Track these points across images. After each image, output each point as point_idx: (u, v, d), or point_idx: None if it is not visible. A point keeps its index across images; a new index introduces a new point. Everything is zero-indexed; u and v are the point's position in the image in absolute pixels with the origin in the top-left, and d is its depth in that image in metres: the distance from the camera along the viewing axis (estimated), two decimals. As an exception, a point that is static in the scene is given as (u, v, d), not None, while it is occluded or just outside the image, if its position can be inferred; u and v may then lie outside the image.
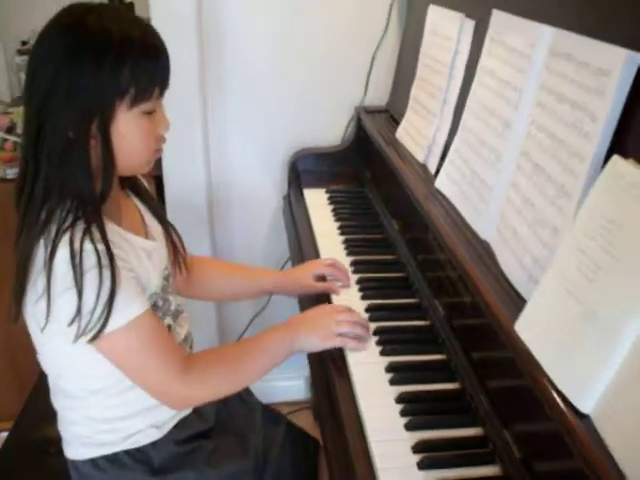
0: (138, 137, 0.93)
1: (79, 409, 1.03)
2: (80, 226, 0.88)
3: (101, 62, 0.86)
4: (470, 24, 1.27)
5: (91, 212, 0.89)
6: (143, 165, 0.99)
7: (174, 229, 1.14)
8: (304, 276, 1.31)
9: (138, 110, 0.91)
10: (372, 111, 1.81)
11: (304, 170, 1.83)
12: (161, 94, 0.94)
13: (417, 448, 0.90)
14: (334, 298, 1.27)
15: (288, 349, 1.07)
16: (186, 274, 1.21)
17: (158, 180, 1.93)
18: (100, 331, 0.88)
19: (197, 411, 1.13)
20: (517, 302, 0.91)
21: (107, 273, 0.87)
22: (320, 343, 1.09)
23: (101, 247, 0.88)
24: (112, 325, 0.89)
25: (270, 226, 2.00)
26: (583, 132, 0.83)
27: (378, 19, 1.81)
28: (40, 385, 1.30)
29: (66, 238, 0.87)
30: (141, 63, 0.88)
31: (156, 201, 1.14)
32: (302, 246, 1.55)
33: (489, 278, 0.97)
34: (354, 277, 1.33)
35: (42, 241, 0.88)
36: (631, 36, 0.78)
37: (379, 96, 1.88)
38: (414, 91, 1.54)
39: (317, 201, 1.69)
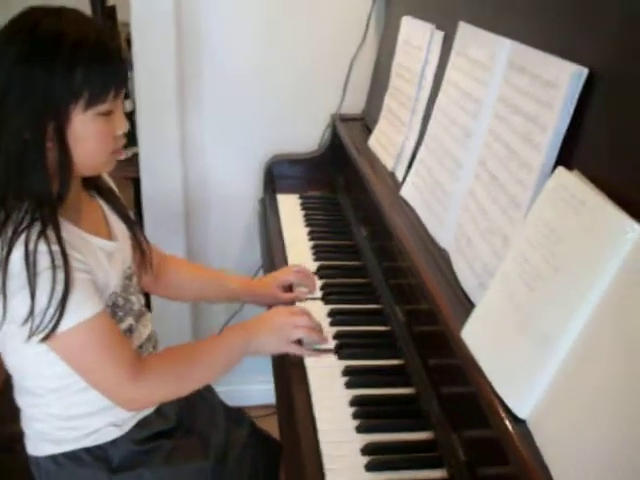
0: (94, 139, 0.94)
1: (40, 406, 1.04)
2: (36, 227, 0.89)
3: (53, 66, 0.87)
4: (439, 35, 1.29)
5: (47, 214, 0.90)
6: (102, 165, 1.00)
7: (139, 229, 1.15)
8: (271, 286, 1.32)
9: (93, 112, 0.91)
10: (348, 119, 1.83)
11: (279, 175, 1.84)
12: (117, 95, 0.95)
13: (366, 450, 0.91)
14: (298, 302, 1.28)
15: (242, 351, 1.09)
16: (152, 274, 1.21)
17: (136, 182, 1.94)
18: (52, 331, 0.89)
19: (158, 410, 1.13)
20: (470, 309, 0.93)
21: (60, 275, 0.88)
22: (276, 348, 1.11)
23: (55, 248, 0.89)
24: (64, 325, 0.89)
25: (245, 229, 2.01)
26: (534, 143, 0.85)
27: (357, 28, 1.83)
28: (7, 383, 1.30)
29: (22, 239, 0.88)
30: (94, 66, 0.89)
31: (121, 201, 1.14)
32: (272, 251, 1.56)
33: (444, 286, 0.99)
34: (319, 282, 1.34)
35: None
36: (584, 50, 0.81)
37: (356, 104, 1.90)
38: (387, 100, 1.56)
39: (290, 206, 1.71)
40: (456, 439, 0.89)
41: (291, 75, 1.87)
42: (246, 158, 1.94)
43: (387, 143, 1.50)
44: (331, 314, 1.23)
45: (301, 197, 1.75)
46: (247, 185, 1.96)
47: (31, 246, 0.88)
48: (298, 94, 1.89)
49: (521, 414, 0.72)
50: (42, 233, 0.88)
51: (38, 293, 0.87)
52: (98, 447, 1.06)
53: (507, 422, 0.72)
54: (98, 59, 0.90)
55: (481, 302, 0.83)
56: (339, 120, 1.80)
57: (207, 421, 1.21)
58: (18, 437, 1.11)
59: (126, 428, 1.08)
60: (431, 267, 1.04)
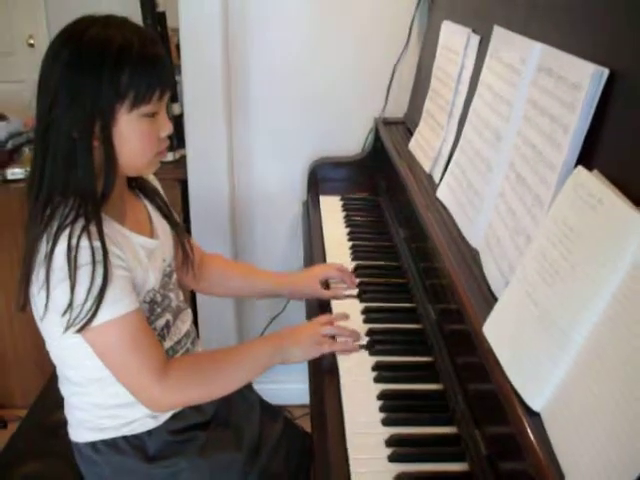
0: (139, 139, 0.99)
1: (81, 395, 1.09)
2: (80, 223, 0.94)
3: (99, 69, 0.93)
4: (476, 39, 1.31)
5: (91, 210, 0.95)
6: (146, 166, 1.05)
7: (183, 231, 1.20)
8: (311, 281, 1.36)
9: (138, 113, 0.97)
10: (390, 122, 1.86)
11: (322, 178, 1.88)
12: (162, 97, 1.00)
13: (390, 442, 0.94)
14: (335, 299, 1.32)
15: (269, 360, 1.12)
16: (194, 273, 1.27)
17: (183, 184, 2.01)
18: (87, 323, 0.94)
19: (195, 405, 1.16)
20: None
21: (100, 270, 0.93)
22: (303, 355, 1.13)
23: (97, 244, 0.94)
24: (99, 319, 0.94)
25: (290, 231, 2.06)
26: (556, 143, 0.86)
27: (400, 33, 1.86)
28: (53, 374, 1.38)
29: (65, 234, 0.93)
30: (138, 69, 0.95)
31: (165, 202, 1.20)
32: (313, 250, 1.60)
33: (472, 285, 1.01)
34: (356, 281, 1.37)
35: (45, 236, 0.95)
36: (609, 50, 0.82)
37: (399, 108, 1.93)
38: (427, 104, 1.58)
39: (331, 207, 1.75)
40: (478, 434, 0.90)
41: (336, 79, 1.91)
42: (291, 161, 2.00)
43: (426, 146, 1.52)
44: (365, 311, 1.26)
45: (343, 199, 1.79)
46: (292, 187, 2.01)
47: (74, 241, 0.93)
48: (342, 98, 1.93)
49: (536, 407, 0.73)
50: (85, 229, 0.94)
51: (77, 286, 0.93)
52: (135, 436, 1.11)
53: (521, 414, 0.73)
54: (142, 62, 0.95)
55: (501, 298, 0.85)
56: (382, 124, 1.83)
57: (243, 416, 1.23)
58: (62, 423, 1.18)
59: (162, 419, 1.12)
60: (461, 266, 1.06)
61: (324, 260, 1.51)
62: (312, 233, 1.68)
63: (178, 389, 1.04)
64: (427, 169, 1.46)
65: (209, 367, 1.08)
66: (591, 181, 0.75)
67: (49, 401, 1.40)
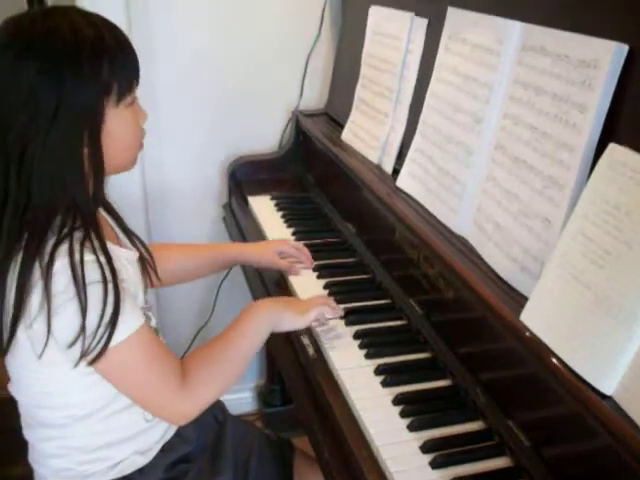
0: (126, 131, 0.92)
1: (58, 439, 0.96)
2: (78, 234, 0.84)
3: (80, 67, 0.82)
4: (422, 23, 1.29)
5: (89, 219, 0.86)
6: (132, 161, 0.97)
7: (138, 238, 1.08)
8: (270, 250, 1.34)
9: (124, 104, 0.89)
10: (310, 114, 1.79)
11: (245, 178, 1.79)
12: (137, 83, 0.93)
13: (425, 448, 0.89)
14: (294, 282, 1.30)
15: (268, 326, 1.06)
16: (158, 280, 1.15)
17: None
18: (104, 350, 0.83)
19: (178, 434, 1.08)
20: (508, 292, 0.92)
21: (111, 287, 0.83)
22: (297, 316, 1.09)
23: (102, 259, 0.84)
24: (115, 340, 0.84)
25: (211, 234, 1.94)
26: (570, 124, 0.85)
27: (311, 23, 1.80)
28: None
29: (64, 248, 0.82)
30: (117, 58, 0.86)
31: (118, 213, 1.07)
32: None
33: (475, 271, 0.98)
34: (321, 282, 1.31)
35: (37, 257, 0.82)
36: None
37: (315, 99, 1.87)
38: (360, 92, 1.54)
39: (264, 208, 1.65)
40: (513, 425, 0.88)
41: (245, 75, 1.81)
42: (204, 163, 1.87)
43: (365, 135, 1.48)
44: (344, 315, 1.20)
45: (273, 198, 1.70)
46: (210, 189, 1.89)
47: (77, 256, 0.81)
48: (253, 94, 1.84)
49: (608, 391, 0.72)
50: (86, 239, 0.83)
51: (88, 309, 0.81)
52: (125, 478, 1.00)
53: (594, 399, 0.72)
54: (117, 50, 0.87)
55: (539, 285, 0.83)
56: (303, 116, 1.77)
57: (220, 438, 1.16)
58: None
59: (151, 455, 1.03)
60: (456, 255, 1.03)
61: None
62: (249, 236, 1.58)
63: (201, 390, 0.96)
64: (373, 159, 1.42)
65: (221, 357, 1.00)
66: (631, 157, 0.74)
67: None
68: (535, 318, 0.82)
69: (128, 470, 0.99)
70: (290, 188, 1.78)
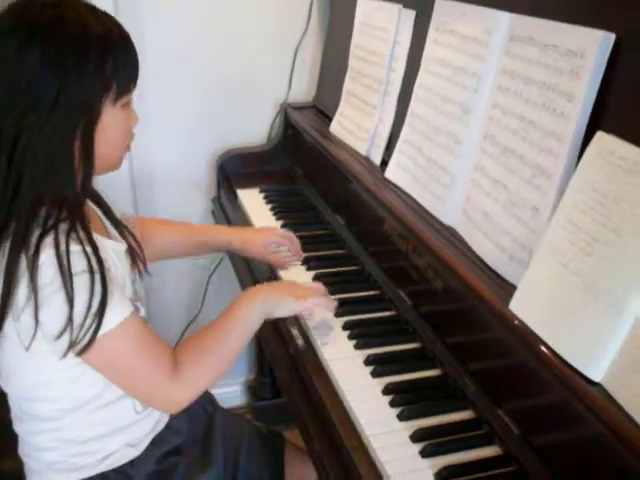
0: (119, 130, 0.92)
1: (49, 432, 0.95)
2: (64, 226, 0.83)
3: (85, 61, 0.82)
4: (410, 14, 1.28)
5: (75, 210, 0.85)
6: (118, 161, 0.97)
7: (127, 229, 1.07)
8: (260, 242, 1.31)
9: (121, 104, 0.89)
10: (298, 107, 1.79)
11: (234, 171, 1.78)
12: (135, 84, 0.92)
13: (415, 437, 0.90)
14: (283, 275, 1.30)
15: (260, 316, 1.05)
16: (146, 272, 1.13)
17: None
18: (92, 341, 0.83)
19: (169, 426, 1.07)
20: (497, 282, 0.93)
21: (98, 277, 0.83)
22: (295, 302, 1.08)
23: (89, 249, 0.83)
24: (103, 329, 0.84)
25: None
26: (557, 112, 0.86)
27: (299, 15, 1.79)
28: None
29: (50, 239, 0.81)
30: (121, 56, 0.87)
31: (107, 203, 1.06)
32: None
33: (464, 261, 0.98)
34: (310, 273, 1.30)
35: (23, 248, 0.81)
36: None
37: (303, 92, 1.87)
38: (348, 84, 1.54)
39: (253, 201, 1.65)
40: (502, 413, 0.89)
41: (233, 68, 1.80)
42: (191, 157, 1.86)
43: (354, 128, 1.47)
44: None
45: (262, 191, 1.69)
46: (198, 183, 1.88)
47: (62, 247, 0.81)
48: (241, 87, 1.83)
49: (596, 377, 0.72)
50: (72, 231, 0.82)
51: (75, 299, 0.80)
52: (116, 470, 0.99)
53: (583, 386, 0.72)
54: (122, 49, 0.87)
55: (528, 274, 0.83)
56: (291, 109, 1.76)
57: (210, 430, 1.16)
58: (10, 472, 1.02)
59: (142, 447, 1.02)
60: (445, 244, 1.03)
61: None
62: (237, 229, 1.58)
63: (194, 378, 0.95)
64: (362, 151, 1.42)
65: (213, 344, 0.98)
66: (620, 145, 0.75)
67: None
68: (524, 307, 0.83)
69: (119, 462, 0.99)
70: (279, 181, 1.77)
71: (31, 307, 0.80)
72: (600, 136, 0.77)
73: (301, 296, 1.09)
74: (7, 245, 0.82)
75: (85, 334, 0.82)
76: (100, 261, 0.84)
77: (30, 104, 0.80)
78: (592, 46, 0.80)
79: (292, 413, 1.10)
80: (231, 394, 2.09)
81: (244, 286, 1.46)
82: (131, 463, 1.00)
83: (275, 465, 1.20)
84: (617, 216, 0.73)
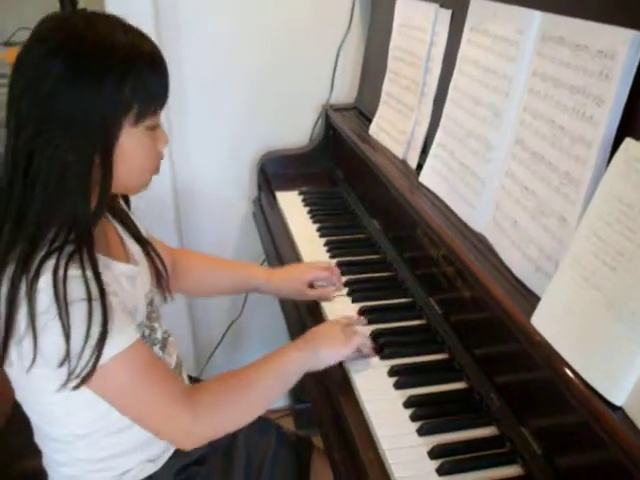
0: (141, 155, 0.87)
1: (67, 452, 0.95)
2: (68, 249, 0.80)
3: (105, 78, 0.79)
4: (446, 14, 1.25)
5: (83, 234, 0.81)
6: (142, 185, 0.92)
7: (154, 249, 1.05)
8: (299, 280, 1.23)
9: (143, 126, 0.85)
10: (340, 109, 1.77)
11: (274, 173, 1.78)
12: (162, 108, 0.88)
13: (434, 454, 0.87)
14: (325, 301, 1.23)
15: (301, 368, 1.00)
16: (170, 296, 1.11)
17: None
18: (91, 372, 0.79)
19: None
20: (524, 294, 0.89)
21: (97, 306, 0.79)
22: (340, 346, 1.02)
23: (89, 274, 0.79)
24: (103, 359, 0.80)
25: (240, 231, 1.94)
26: (587, 117, 0.81)
27: (341, 15, 1.77)
28: (13, 419, 1.20)
29: (50, 263, 0.78)
30: (146, 76, 0.82)
31: (133, 221, 1.05)
32: (280, 250, 1.50)
33: (491, 271, 0.95)
34: (342, 279, 1.28)
35: (25, 274, 0.79)
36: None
37: (345, 93, 1.85)
38: (387, 86, 1.51)
39: (291, 203, 1.64)
40: (526, 432, 0.85)
41: (274, 69, 1.79)
42: (233, 159, 1.87)
43: (392, 130, 1.45)
44: (362, 312, 1.18)
45: (301, 193, 1.68)
46: (237, 186, 1.89)
47: (60, 272, 0.77)
48: (283, 88, 1.82)
49: (618, 401, 0.68)
50: (74, 254, 0.79)
51: (73, 330, 0.77)
52: None
53: (602, 409, 0.68)
54: (149, 68, 0.83)
55: (551, 287, 0.79)
56: (332, 110, 1.74)
57: (231, 437, 1.12)
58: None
59: (161, 462, 1.01)
60: (473, 253, 1.00)
61: (297, 259, 1.41)
62: (274, 231, 1.58)
63: (211, 415, 0.90)
64: (399, 154, 1.39)
65: (239, 386, 0.93)
66: (647, 153, 0.70)
67: (9, 451, 1.23)
68: (545, 321, 0.78)
69: (138, 477, 0.98)
70: (320, 183, 1.76)
71: (31, 333, 0.78)
72: (628, 143, 0.73)
73: (342, 339, 1.03)
74: (12, 267, 0.80)
75: (85, 364, 0.78)
76: (101, 287, 0.80)
77: (46, 118, 0.79)
78: (622, 47, 0.75)
79: (316, 420, 1.08)
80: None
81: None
82: (150, 477, 0.99)
83: (299, 476, 1.17)
84: (643, 229, 0.68)
